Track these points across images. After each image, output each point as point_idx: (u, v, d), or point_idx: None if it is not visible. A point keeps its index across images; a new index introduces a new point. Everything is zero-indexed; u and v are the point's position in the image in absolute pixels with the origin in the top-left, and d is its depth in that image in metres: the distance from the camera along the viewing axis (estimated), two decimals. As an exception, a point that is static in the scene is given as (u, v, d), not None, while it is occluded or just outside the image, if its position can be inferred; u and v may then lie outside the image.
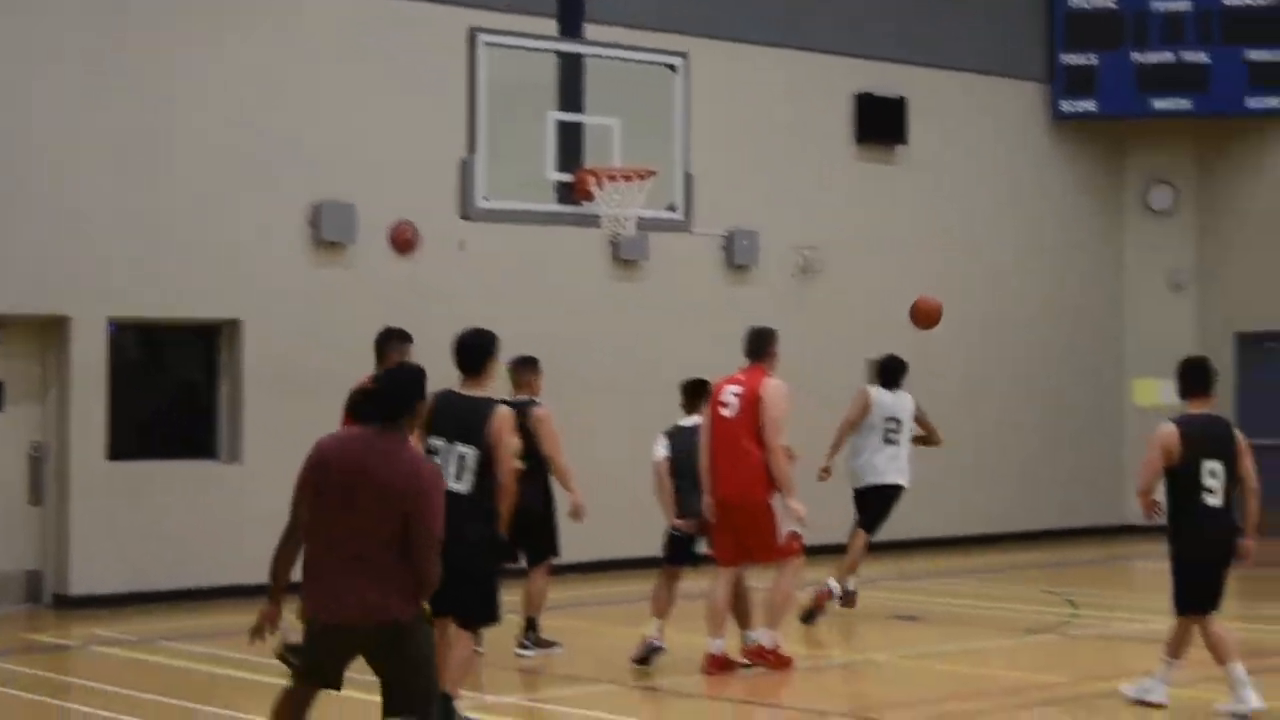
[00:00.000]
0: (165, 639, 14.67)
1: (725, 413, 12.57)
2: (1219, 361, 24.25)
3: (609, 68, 17.36)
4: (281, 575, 7.75)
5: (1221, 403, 23.94)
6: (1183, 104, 24.06)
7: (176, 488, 17.52)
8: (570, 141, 18.77)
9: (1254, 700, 10.78)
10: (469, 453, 9.97)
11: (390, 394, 7.82)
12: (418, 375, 7.87)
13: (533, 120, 16.82)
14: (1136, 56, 24.05)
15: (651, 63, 17.42)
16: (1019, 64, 24.07)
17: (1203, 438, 11.11)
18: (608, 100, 18.50)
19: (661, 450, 13.28)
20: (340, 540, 7.53)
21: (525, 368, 13.81)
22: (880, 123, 22.53)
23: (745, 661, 12.68)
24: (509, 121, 16.81)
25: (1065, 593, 17.49)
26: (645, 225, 19.17)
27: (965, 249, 23.26)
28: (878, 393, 15.91)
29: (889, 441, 15.77)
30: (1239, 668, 10.86)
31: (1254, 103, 23.99)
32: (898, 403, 15.92)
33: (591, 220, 18.05)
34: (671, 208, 19.78)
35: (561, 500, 13.64)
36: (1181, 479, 11.06)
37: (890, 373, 16.09)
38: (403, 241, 18.93)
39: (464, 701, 10.37)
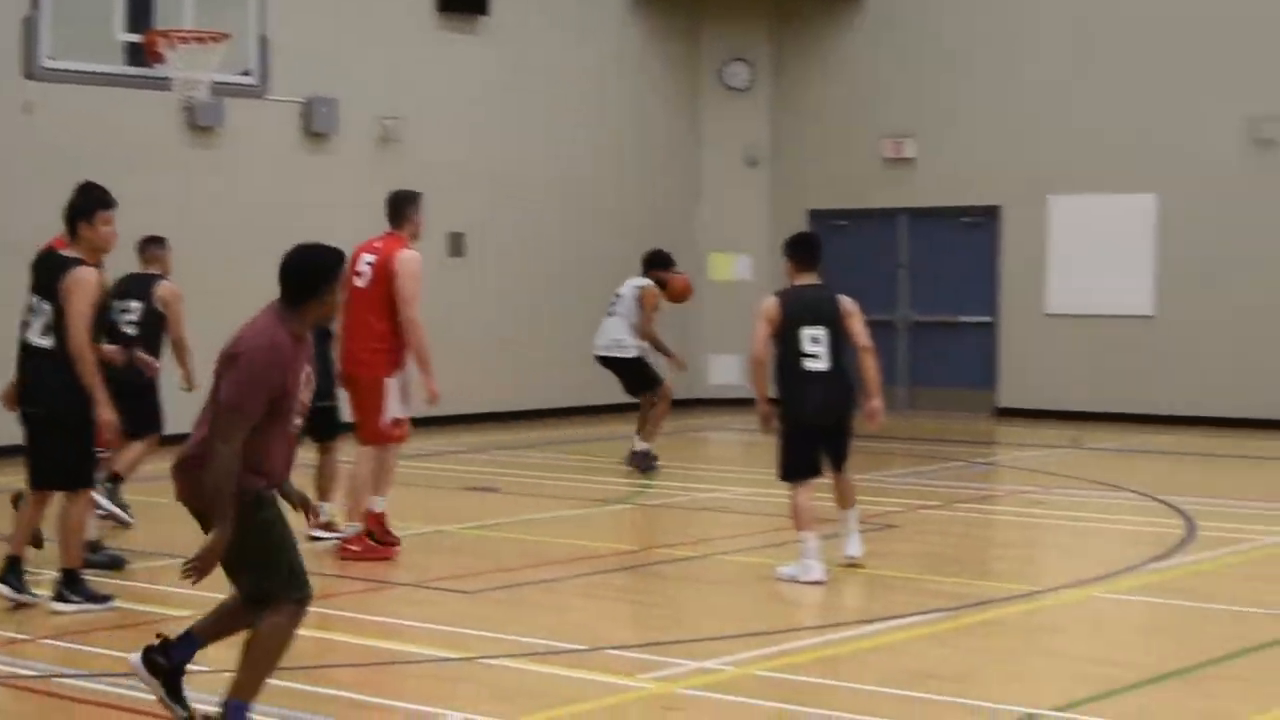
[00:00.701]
0: None
1: (358, 282, 12.09)
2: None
3: (182, -75, 16.79)
4: None
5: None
6: (758, -18, 24.40)
7: None
8: (140, 1, 18.13)
9: (817, 572, 11.14)
10: (48, 307, 10.04)
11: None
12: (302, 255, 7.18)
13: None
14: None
15: (226, -78, 16.85)
16: (600, -63, 24.12)
17: (801, 306, 11.41)
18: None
19: None
20: None
21: (151, 245, 13.63)
22: (461, -8, 22.33)
23: (317, 534, 12.43)
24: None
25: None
26: (220, 91, 18.68)
27: (546, 122, 23.23)
28: None
29: (608, 314, 17.58)
30: (812, 537, 11.19)
31: (825, -17, 24.51)
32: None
33: (164, 83, 17.49)
34: (247, 73, 19.32)
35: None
36: (784, 347, 11.39)
37: None
38: (-39, 102, 18.00)
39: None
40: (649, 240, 24.18)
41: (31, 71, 15.97)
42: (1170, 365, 22.21)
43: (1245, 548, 12.61)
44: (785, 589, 11.11)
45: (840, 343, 11.47)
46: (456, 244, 22.09)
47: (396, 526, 12.45)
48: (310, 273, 7.10)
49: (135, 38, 17.63)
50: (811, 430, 11.45)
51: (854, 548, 11.69)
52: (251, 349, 6.95)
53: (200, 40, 17.12)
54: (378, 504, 12.22)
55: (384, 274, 12.11)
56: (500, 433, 21.08)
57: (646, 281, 17.55)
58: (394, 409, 12.16)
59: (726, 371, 24.56)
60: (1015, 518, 14.87)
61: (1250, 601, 10.60)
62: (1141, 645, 9.74)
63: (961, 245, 23.94)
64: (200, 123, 19.57)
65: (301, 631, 7.25)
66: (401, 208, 12.46)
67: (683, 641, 9.46)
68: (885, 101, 24.39)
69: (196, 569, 6.89)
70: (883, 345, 24.42)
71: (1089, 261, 22.73)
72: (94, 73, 17.59)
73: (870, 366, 11.63)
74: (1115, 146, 22.56)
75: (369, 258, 12.25)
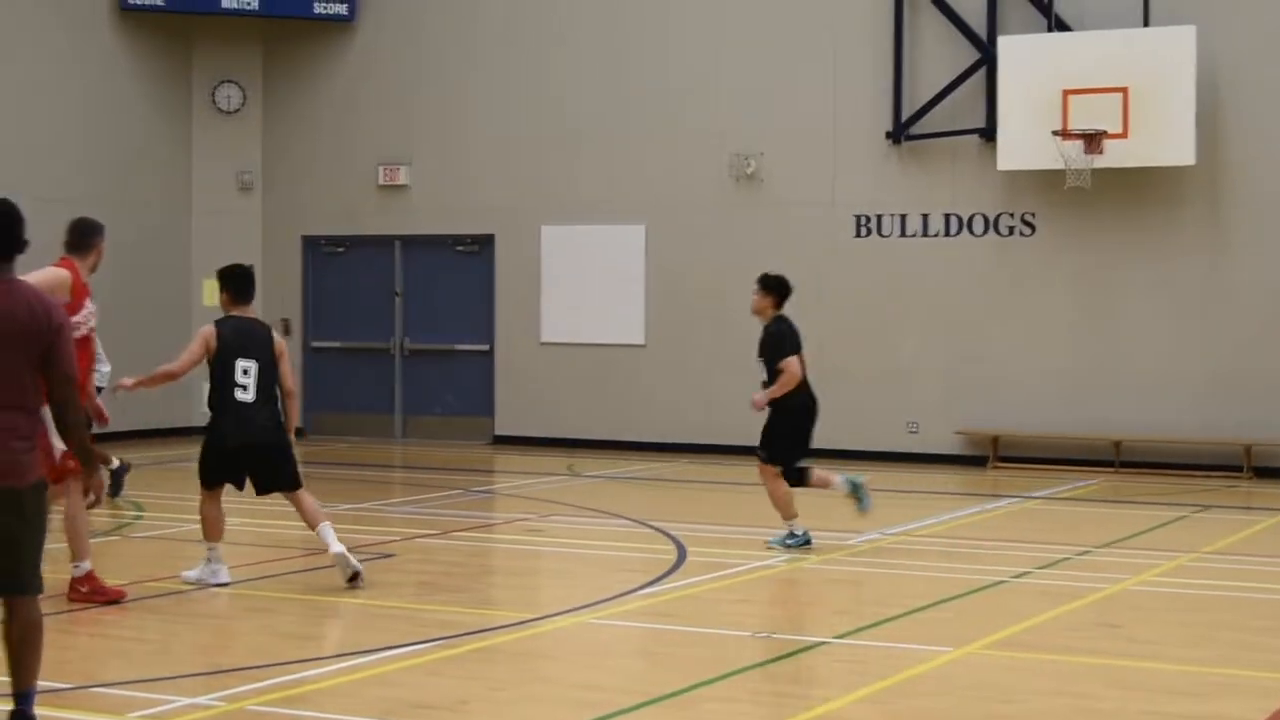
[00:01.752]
0: None
1: None
2: (288, 264, 24.84)
3: None
4: None
5: (290, 305, 24.54)
6: (250, 3, 24.00)
7: None
8: None
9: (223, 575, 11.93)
10: None
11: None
12: (16, 209, 7.54)
13: None
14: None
15: None
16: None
17: (237, 338, 11.92)
18: None
19: None
20: None
21: None
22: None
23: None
24: None
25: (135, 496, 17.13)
26: None
27: (33, 146, 22.32)
28: None
29: None
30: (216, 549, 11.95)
31: (320, 7, 24.26)
32: None
33: None
34: None
35: None
36: (217, 374, 11.89)
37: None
38: None
39: None
40: (142, 266, 23.55)
41: None
42: (662, 393, 22.70)
43: (732, 572, 12.90)
44: (276, 621, 10.86)
45: (271, 378, 12.01)
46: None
47: None
48: None
49: None
50: (218, 452, 12.00)
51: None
52: None
53: None
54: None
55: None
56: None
57: None
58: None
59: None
60: (513, 545, 14.92)
61: (737, 624, 10.84)
62: (634, 670, 9.84)
63: (458, 273, 24.00)
64: None
65: None
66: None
67: (173, 678, 9.13)
68: (379, 128, 24.30)
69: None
70: (379, 373, 24.66)
71: (581, 290, 23.06)
72: None
73: (293, 409, 12.29)
74: (606, 178, 22.97)
75: None
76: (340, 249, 24.64)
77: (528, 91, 23.42)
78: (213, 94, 24.87)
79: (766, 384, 14.12)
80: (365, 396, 24.52)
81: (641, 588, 12.16)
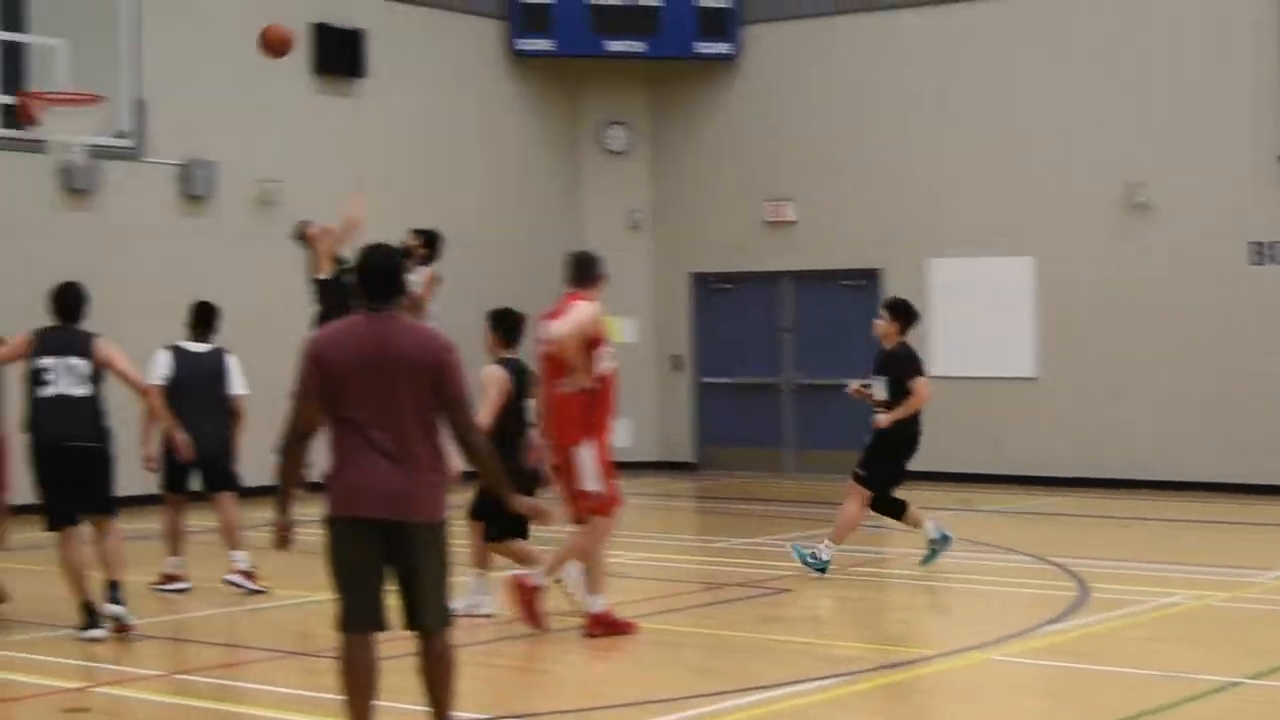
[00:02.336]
0: None
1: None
2: (676, 302, 25.15)
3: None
4: (290, 479, 7.73)
5: (678, 343, 24.87)
6: (636, 46, 24.43)
7: None
8: (12, 62, 17.84)
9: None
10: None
11: (382, 275, 7.62)
12: (399, 255, 7.85)
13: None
14: (590, -3, 24.33)
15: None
16: (477, 0, 24.01)
17: (518, 380, 11.91)
18: (53, 20, 17.66)
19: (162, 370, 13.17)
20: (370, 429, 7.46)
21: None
22: (337, 54, 22.12)
23: None
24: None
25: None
26: (97, 153, 18.37)
27: (425, 186, 23.06)
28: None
29: None
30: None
31: (703, 47, 24.55)
32: None
33: (36, 146, 17.20)
34: (122, 134, 19.02)
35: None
36: (504, 417, 11.68)
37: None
38: None
39: None
40: (535, 306, 24.00)
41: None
42: (1056, 426, 22.28)
43: (1137, 609, 12.58)
44: (681, 655, 10.94)
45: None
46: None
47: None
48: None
49: (8, 100, 17.32)
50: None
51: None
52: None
53: (73, 102, 16.83)
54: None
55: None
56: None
57: None
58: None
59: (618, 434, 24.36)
60: (907, 580, 14.78)
61: (1145, 664, 10.54)
62: (1040, 710, 9.66)
63: (844, 307, 23.95)
64: (77, 185, 19.24)
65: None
66: (584, 270, 12.07)
67: (594, 709, 9.26)
68: (764, 164, 24.41)
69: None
70: (767, 408, 24.75)
71: (969, 324, 22.79)
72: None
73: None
74: (994, 209, 22.70)
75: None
76: (728, 285, 24.84)
77: (914, 124, 23.28)
78: (601, 135, 25.34)
79: (882, 404, 14.19)
80: (754, 431, 24.61)
81: (1044, 624, 11.94)
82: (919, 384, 14.14)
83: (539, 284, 24.40)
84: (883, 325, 14.47)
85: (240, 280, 20.18)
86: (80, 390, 11.48)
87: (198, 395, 13.25)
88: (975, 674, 10.51)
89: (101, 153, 18.44)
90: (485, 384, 11.76)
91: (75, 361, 11.55)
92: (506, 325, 12.26)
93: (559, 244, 25.03)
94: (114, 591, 11.44)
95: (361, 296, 7.59)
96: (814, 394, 24.25)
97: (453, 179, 23.50)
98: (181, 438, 12.96)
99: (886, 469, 14.27)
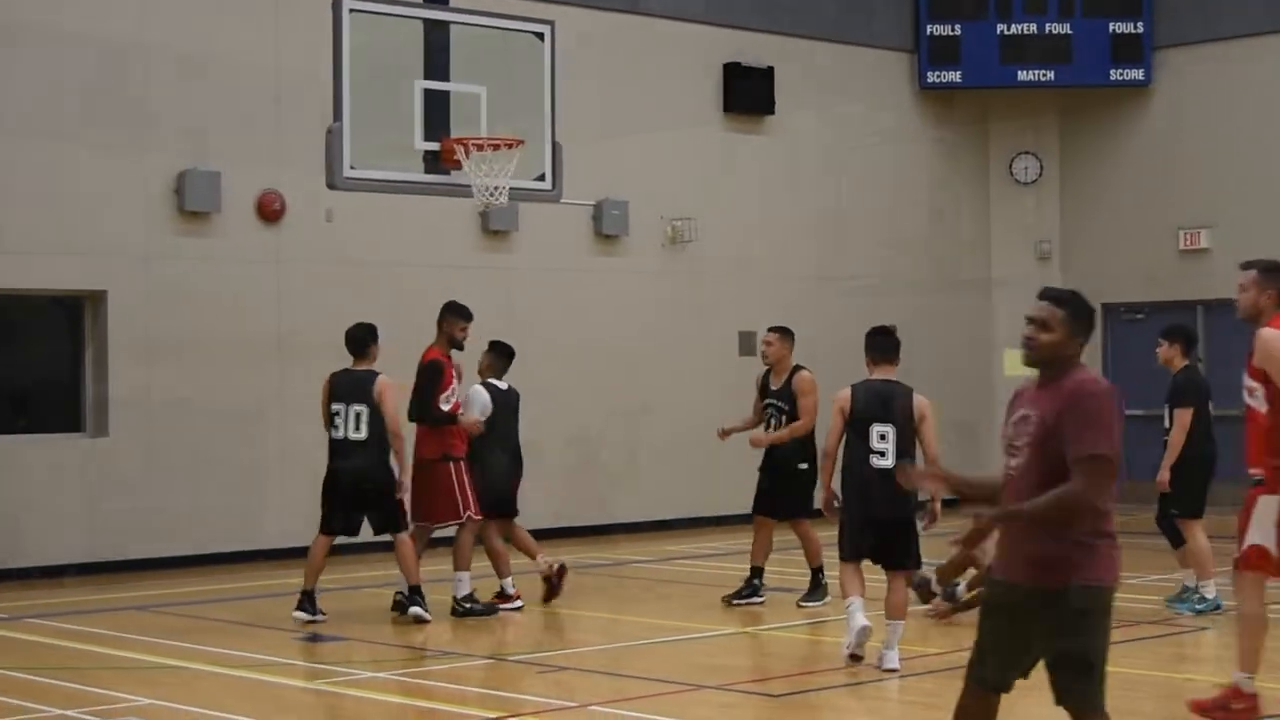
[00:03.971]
0: (33, 616, 14.35)
1: None
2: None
3: (475, 35, 17.21)
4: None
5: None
6: (1046, 75, 24.28)
7: (41, 462, 17.18)
8: (437, 110, 18.62)
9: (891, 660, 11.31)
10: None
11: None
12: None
13: (399, 89, 16.67)
14: (1000, 27, 24.23)
15: (518, 30, 17.25)
16: (885, 34, 24.17)
17: (871, 402, 11.71)
18: (474, 68, 18.36)
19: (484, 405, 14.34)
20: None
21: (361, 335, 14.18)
22: (748, 92, 22.52)
23: None
24: (375, 90, 16.64)
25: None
26: (515, 196, 19.08)
27: (834, 220, 23.32)
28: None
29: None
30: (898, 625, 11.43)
31: (1116, 74, 24.25)
32: None
33: (459, 190, 17.92)
34: (540, 177, 19.71)
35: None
36: (852, 439, 11.69)
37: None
38: (269, 211, 18.71)
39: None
40: (942, 340, 24.11)
41: (334, 182, 16.45)
42: None
43: None
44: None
45: (908, 442, 11.66)
46: (747, 342, 22.19)
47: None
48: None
49: (433, 145, 18.10)
50: (864, 520, 11.65)
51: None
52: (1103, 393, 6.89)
53: (495, 147, 17.49)
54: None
55: None
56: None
57: None
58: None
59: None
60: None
61: None
62: None
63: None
64: (494, 227, 20.05)
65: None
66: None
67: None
68: (1179, 192, 23.98)
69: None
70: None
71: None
72: (392, 180, 18.12)
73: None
74: None
75: None
76: (1140, 315, 24.44)
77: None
78: (1010, 165, 25.23)
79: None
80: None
81: None
82: (1181, 415, 14.48)
83: (954, 317, 24.47)
84: (1163, 351, 14.96)
85: (653, 318, 20.74)
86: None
87: (505, 428, 14.36)
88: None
89: (521, 195, 19.15)
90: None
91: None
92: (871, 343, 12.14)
93: (971, 276, 25.07)
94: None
95: None
96: (1227, 425, 23.62)
97: (860, 213, 23.69)
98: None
99: (1189, 496, 14.25)
